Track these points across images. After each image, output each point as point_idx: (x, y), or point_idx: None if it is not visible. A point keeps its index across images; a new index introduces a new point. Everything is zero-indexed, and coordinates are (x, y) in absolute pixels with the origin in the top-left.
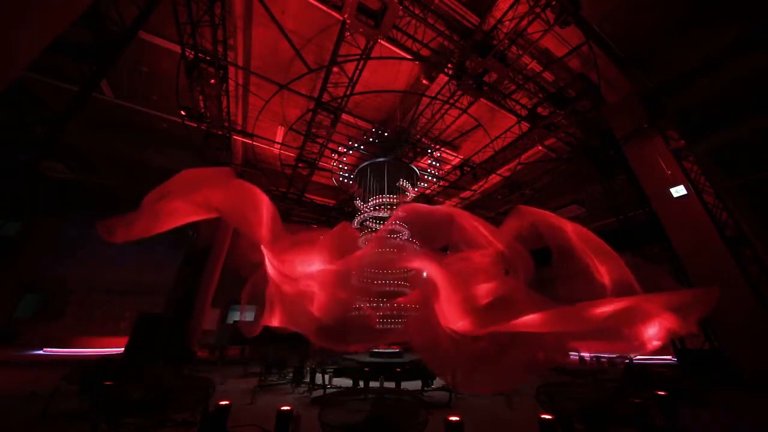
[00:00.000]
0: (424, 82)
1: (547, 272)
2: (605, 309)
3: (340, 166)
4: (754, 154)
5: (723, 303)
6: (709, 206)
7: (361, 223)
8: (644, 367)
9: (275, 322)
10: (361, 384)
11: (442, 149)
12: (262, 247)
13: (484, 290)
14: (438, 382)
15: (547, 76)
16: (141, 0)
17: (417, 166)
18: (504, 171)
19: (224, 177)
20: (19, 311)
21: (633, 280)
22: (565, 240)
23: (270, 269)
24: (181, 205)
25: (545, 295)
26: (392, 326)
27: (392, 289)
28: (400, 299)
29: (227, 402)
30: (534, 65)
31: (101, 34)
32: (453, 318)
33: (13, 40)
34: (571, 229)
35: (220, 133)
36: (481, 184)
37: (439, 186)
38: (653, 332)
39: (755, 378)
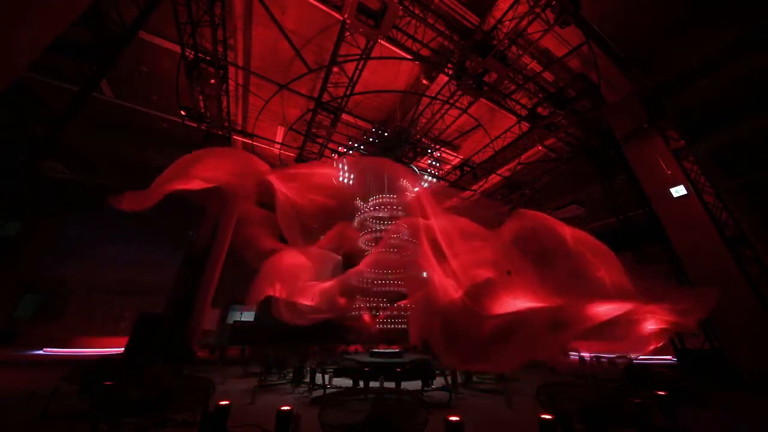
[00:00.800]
0: (424, 82)
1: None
2: (606, 309)
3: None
4: (754, 154)
5: (723, 303)
6: (709, 206)
7: (361, 223)
8: (644, 367)
9: (277, 292)
10: (361, 384)
11: (442, 149)
12: (270, 177)
13: (485, 258)
14: (438, 382)
15: (547, 76)
16: (141, 0)
17: (417, 166)
18: (504, 171)
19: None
20: (19, 311)
21: (628, 281)
22: (563, 243)
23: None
24: (186, 182)
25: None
26: (392, 326)
27: (391, 289)
28: (401, 302)
29: (227, 402)
30: (534, 65)
31: (101, 34)
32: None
33: (13, 40)
34: (568, 232)
35: (220, 133)
36: (481, 184)
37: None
38: (652, 333)
39: (755, 378)
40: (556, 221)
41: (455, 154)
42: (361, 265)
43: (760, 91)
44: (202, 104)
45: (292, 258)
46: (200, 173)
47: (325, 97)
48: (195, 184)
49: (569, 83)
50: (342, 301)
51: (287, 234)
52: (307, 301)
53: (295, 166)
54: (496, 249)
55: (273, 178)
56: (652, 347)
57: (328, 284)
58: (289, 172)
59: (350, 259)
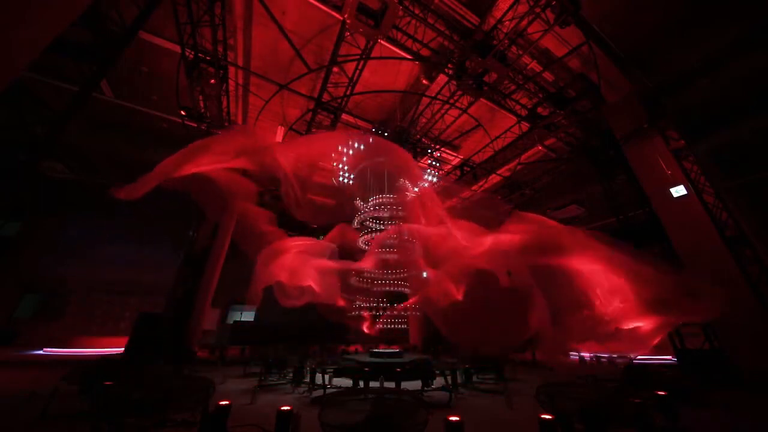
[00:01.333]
0: (424, 82)
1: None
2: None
3: (340, 165)
4: (754, 154)
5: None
6: (709, 206)
7: (361, 223)
8: (644, 367)
9: (282, 277)
10: (361, 384)
11: (442, 149)
12: (276, 149)
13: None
14: (438, 382)
15: (547, 76)
16: (141, 0)
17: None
18: (504, 171)
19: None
20: (19, 311)
21: (627, 279)
22: (560, 243)
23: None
24: (194, 167)
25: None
26: (392, 326)
27: (391, 289)
28: (402, 304)
29: (227, 402)
30: (534, 65)
31: (101, 34)
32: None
33: (13, 40)
34: (565, 230)
35: (220, 133)
36: (481, 184)
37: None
38: (651, 330)
39: (755, 378)
40: (553, 223)
41: (455, 154)
42: (362, 261)
43: (760, 91)
44: (202, 104)
45: (290, 245)
46: (207, 158)
47: (325, 97)
48: (203, 168)
49: (569, 83)
50: (338, 285)
51: (290, 203)
52: (308, 283)
53: (301, 140)
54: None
55: (279, 154)
56: (652, 344)
57: (327, 263)
58: (295, 149)
59: (350, 257)
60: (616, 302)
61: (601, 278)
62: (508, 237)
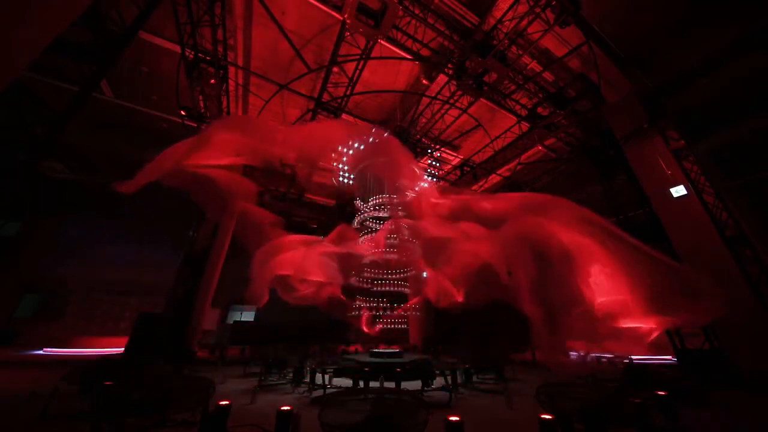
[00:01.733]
0: (424, 82)
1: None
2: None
3: (340, 165)
4: (754, 154)
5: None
6: (709, 206)
7: (361, 223)
8: (644, 367)
9: (285, 270)
10: (361, 384)
11: (442, 149)
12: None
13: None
14: (438, 382)
15: (547, 76)
16: (141, 0)
17: (417, 167)
18: (504, 171)
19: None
20: (19, 311)
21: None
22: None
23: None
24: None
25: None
26: (392, 326)
27: (392, 289)
28: (403, 306)
29: (227, 402)
30: (534, 65)
31: (101, 34)
32: None
33: (13, 40)
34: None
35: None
36: (481, 184)
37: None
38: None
39: (755, 378)
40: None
41: (455, 154)
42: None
43: (760, 91)
44: (202, 104)
45: (290, 239)
46: (209, 151)
47: (325, 97)
48: (205, 162)
49: (569, 83)
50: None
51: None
52: (311, 276)
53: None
54: (498, 246)
55: (285, 144)
56: (647, 342)
57: (330, 248)
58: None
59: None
60: (612, 295)
61: (596, 259)
62: (491, 205)
